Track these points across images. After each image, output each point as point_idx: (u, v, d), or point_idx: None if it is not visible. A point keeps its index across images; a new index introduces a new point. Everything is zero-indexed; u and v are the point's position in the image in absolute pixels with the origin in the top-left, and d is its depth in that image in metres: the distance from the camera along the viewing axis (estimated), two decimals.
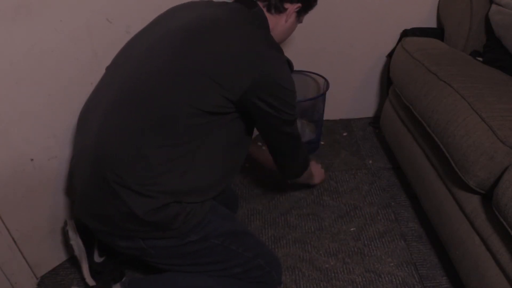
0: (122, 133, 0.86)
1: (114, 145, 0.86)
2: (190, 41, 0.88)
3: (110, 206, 0.87)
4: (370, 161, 1.60)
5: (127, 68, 0.92)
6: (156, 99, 0.86)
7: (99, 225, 0.91)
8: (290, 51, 1.64)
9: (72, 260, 1.22)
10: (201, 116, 0.86)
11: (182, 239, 0.90)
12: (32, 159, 1.05)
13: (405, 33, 1.55)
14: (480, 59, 1.31)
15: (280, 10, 1.02)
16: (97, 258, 1.12)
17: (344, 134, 1.76)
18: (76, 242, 1.08)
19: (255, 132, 1.04)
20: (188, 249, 0.93)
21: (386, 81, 1.65)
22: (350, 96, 1.79)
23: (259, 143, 1.68)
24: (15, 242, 1.08)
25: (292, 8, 1.03)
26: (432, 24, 1.59)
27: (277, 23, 1.04)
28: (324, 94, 1.56)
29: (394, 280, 1.15)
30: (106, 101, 0.91)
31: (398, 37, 1.58)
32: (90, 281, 1.10)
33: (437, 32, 1.51)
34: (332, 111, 1.79)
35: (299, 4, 1.04)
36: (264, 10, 1.01)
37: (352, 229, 1.31)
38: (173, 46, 0.89)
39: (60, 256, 1.23)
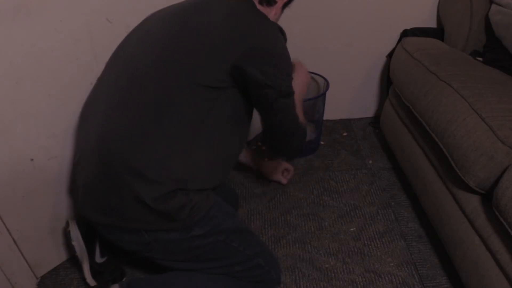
0: (126, 119, 0.88)
1: (119, 133, 0.87)
2: (182, 21, 0.92)
3: (116, 196, 0.87)
4: (370, 161, 1.60)
5: (123, 58, 0.96)
6: (155, 81, 0.88)
7: (103, 218, 0.91)
8: (290, 51, 1.63)
9: (73, 260, 1.22)
10: (201, 93, 0.87)
11: (186, 233, 0.91)
12: (32, 159, 1.05)
13: (405, 33, 1.55)
14: (480, 59, 1.31)
15: (271, 3, 1.05)
16: (98, 259, 1.12)
17: (344, 134, 1.76)
18: (78, 243, 1.08)
19: (252, 134, 1.03)
20: (191, 244, 0.93)
21: (386, 81, 1.65)
22: (350, 96, 1.79)
23: (259, 143, 1.69)
24: (15, 242, 1.08)
25: (281, 2, 1.06)
26: (432, 24, 1.59)
27: (267, 15, 1.06)
28: (324, 94, 1.56)
29: (394, 280, 1.15)
30: (107, 93, 0.93)
31: (398, 37, 1.58)
32: (91, 281, 1.10)
33: (437, 32, 1.52)
34: (332, 111, 1.79)
35: None
36: (256, 2, 1.03)
37: (352, 229, 1.31)
38: (165, 28, 0.93)
39: (60, 256, 1.23)
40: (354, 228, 1.31)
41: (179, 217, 0.88)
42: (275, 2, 1.05)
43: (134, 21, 1.12)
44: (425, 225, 1.31)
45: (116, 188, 0.87)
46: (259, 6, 1.03)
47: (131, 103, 0.88)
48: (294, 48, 1.63)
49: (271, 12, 1.06)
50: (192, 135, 0.89)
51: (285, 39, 1.01)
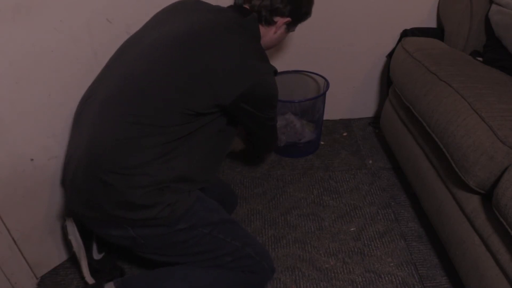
0: (116, 126, 0.90)
1: (108, 137, 0.90)
2: (187, 46, 0.93)
3: (102, 195, 0.90)
4: (370, 161, 1.60)
5: (123, 67, 0.97)
6: (151, 98, 0.91)
7: (90, 212, 0.94)
8: (290, 51, 1.64)
9: (72, 260, 1.22)
10: (191, 116, 0.91)
11: (171, 227, 0.93)
12: (32, 159, 1.05)
13: (405, 33, 1.55)
14: (480, 59, 1.31)
15: (269, 22, 1.08)
16: (96, 255, 1.12)
17: (344, 134, 1.76)
18: (75, 237, 1.08)
19: None
20: (177, 238, 0.95)
21: (386, 81, 1.65)
22: (350, 96, 1.79)
23: None
24: (15, 242, 1.08)
25: (281, 21, 1.09)
26: (432, 24, 1.59)
27: (266, 34, 1.11)
28: (324, 94, 1.56)
29: (394, 280, 1.15)
30: (101, 97, 0.95)
31: (398, 37, 1.58)
32: (89, 279, 1.10)
33: (437, 32, 1.51)
34: (332, 111, 1.79)
35: (289, 18, 1.10)
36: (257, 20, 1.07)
37: (352, 229, 1.31)
38: (169, 49, 0.93)
39: (60, 256, 1.23)
40: (354, 228, 1.31)
41: (161, 214, 0.90)
42: (274, 22, 1.08)
43: (134, 21, 1.13)
44: (425, 225, 1.31)
45: (103, 189, 0.89)
46: (259, 24, 1.07)
47: (124, 112, 0.91)
48: (295, 48, 1.64)
49: (270, 31, 1.10)
50: (178, 147, 0.92)
51: (276, 74, 1.05)
